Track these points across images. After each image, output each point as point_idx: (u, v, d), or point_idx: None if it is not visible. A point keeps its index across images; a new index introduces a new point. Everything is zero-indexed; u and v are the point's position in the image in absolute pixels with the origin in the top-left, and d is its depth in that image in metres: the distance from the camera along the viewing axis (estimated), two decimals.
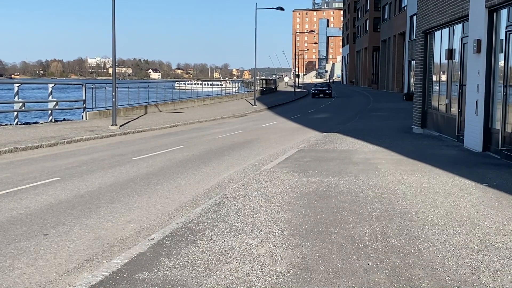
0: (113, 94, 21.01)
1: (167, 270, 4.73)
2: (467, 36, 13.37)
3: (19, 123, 20.83)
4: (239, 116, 30.81)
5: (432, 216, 6.50)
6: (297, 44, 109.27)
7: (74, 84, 36.51)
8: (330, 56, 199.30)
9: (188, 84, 56.43)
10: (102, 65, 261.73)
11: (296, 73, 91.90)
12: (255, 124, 24.55)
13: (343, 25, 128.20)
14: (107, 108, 25.72)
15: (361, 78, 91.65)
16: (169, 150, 14.54)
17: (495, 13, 11.95)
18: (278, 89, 74.01)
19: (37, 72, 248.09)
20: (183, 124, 24.07)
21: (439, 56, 16.56)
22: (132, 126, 21.26)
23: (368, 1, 78.84)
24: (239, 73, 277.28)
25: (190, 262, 4.93)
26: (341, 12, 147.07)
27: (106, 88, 26.01)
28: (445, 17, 15.04)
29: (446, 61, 15.53)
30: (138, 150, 14.69)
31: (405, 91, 49.67)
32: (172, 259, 5.03)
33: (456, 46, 14.82)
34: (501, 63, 11.68)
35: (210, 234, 5.81)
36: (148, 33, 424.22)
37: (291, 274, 4.62)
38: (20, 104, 21.13)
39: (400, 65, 57.66)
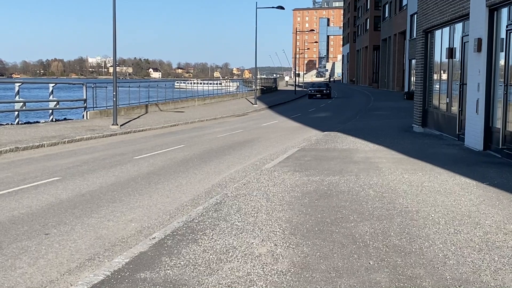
0: (114, 93, 21.05)
1: (168, 269, 4.73)
2: (468, 35, 13.37)
3: (20, 122, 20.84)
4: (240, 115, 30.82)
5: (433, 215, 6.50)
6: (298, 43, 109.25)
7: (74, 84, 36.47)
8: (330, 55, 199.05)
9: (188, 83, 56.43)
10: (103, 65, 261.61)
11: (297, 72, 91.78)
12: (255, 123, 24.55)
13: (343, 24, 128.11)
14: (108, 107, 25.74)
15: (361, 77, 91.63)
16: (170, 149, 14.55)
17: (495, 12, 11.94)
18: (278, 88, 74.03)
19: (38, 71, 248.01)
20: (184, 123, 24.07)
21: (439, 55, 16.55)
22: (133, 125, 21.27)
23: (369, 0, 78.79)
24: (240, 72, 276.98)
25: (191, 261, 4.94)
26: (342, 11, 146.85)
27: (107, 88, 26.08)
28: (446, 16, 15.04)
29: (447, 60, 15.53)
30: (139, 149, 14.70)
31: (406, 90, 49.69)
32: (174, 258, 5.03)
33: (457, 45, 14.81)
34: (502, 62, 11.67)
35: (211, 233, 5.81)
36: (148, 33, 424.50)
37: (292, 273, 4.62)
38: (21, 103, 21.14)
39: (400, 64, 57.63)
